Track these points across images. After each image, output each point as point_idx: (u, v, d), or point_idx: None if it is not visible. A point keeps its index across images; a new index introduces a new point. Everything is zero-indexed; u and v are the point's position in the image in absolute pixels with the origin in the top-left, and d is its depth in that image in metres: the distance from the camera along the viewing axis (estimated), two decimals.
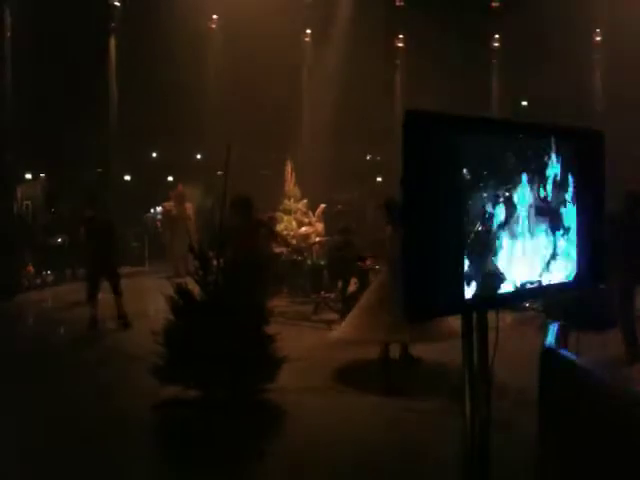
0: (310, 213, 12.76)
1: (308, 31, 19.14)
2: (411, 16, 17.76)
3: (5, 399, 5.99)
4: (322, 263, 11.34)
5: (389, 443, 5.12)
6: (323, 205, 12.63)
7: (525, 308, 9.39)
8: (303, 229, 12.50)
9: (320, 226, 12.32)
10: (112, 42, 16.34)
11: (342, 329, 7.06)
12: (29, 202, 16.13)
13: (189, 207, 12.61)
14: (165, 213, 12.55)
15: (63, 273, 13.92)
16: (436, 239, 2.25)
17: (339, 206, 16.07)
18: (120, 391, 6.36)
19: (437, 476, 4.40)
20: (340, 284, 10.63)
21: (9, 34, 12.77)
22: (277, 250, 11.92)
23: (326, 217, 12.80)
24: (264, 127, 16.31)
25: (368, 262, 11.15)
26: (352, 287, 10.52)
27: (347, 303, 9.62)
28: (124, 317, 9.21)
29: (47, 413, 5.66)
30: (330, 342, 7.13)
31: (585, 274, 2.86)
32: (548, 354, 2.11)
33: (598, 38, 18.98)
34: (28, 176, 16.47)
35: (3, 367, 7.11)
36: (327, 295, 10.85)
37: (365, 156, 21.15)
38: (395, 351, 7.04)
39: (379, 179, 20.42)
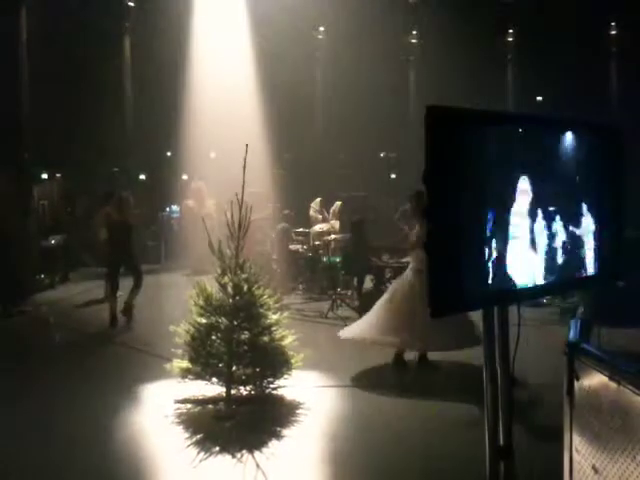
0: (324, 211, 12.68)
1: (321, 28, 19.09)
2: (425, 12, 17.68)
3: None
4: (338, 260, 11.33)
5: (400, 440, 5.14)
6: (339, 202, 12.51)
7: (543, 304, 9.36)
8: (318, 227, 12.42)
9: (336, 223, 12.23)
10: (127, 42, 16.41)
11: (356, 328, 7.06)
12: (45, 202, 16.22)
13: (210, 204, 12.38)
14: (185, 210, 12.49)
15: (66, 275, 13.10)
16: (458, 234, 2.25)
17: (356, 194, 15.75)
18: (145, 387, 6.40)
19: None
20: (355, 281, 10.65)
21: (25, 36, 12.87)
22: (293, 247, 11.94)
23: (342, 214, 12.69)
24: (277, 125, 16.29)
25: (384, 259, 11.17)
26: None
27: (363, 300, 9.64)
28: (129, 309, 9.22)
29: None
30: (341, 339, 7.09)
31: (604, 271, 2.85)
32: (573, 349, 2.12)
33: (613, 32, 18.82)
34: (44, 176, 16.56)
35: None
36: (343, 292, 10.87)
37: (379, 153, 21.07)
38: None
39: (393, 176, 20.36)
